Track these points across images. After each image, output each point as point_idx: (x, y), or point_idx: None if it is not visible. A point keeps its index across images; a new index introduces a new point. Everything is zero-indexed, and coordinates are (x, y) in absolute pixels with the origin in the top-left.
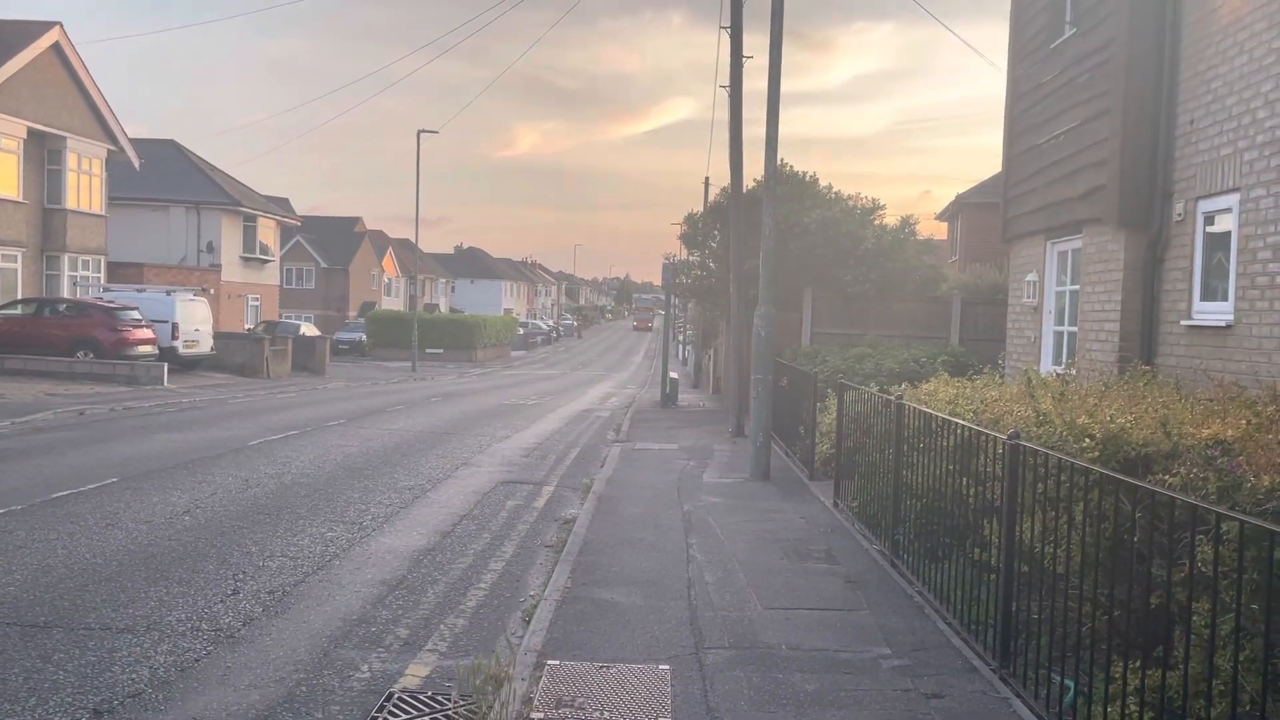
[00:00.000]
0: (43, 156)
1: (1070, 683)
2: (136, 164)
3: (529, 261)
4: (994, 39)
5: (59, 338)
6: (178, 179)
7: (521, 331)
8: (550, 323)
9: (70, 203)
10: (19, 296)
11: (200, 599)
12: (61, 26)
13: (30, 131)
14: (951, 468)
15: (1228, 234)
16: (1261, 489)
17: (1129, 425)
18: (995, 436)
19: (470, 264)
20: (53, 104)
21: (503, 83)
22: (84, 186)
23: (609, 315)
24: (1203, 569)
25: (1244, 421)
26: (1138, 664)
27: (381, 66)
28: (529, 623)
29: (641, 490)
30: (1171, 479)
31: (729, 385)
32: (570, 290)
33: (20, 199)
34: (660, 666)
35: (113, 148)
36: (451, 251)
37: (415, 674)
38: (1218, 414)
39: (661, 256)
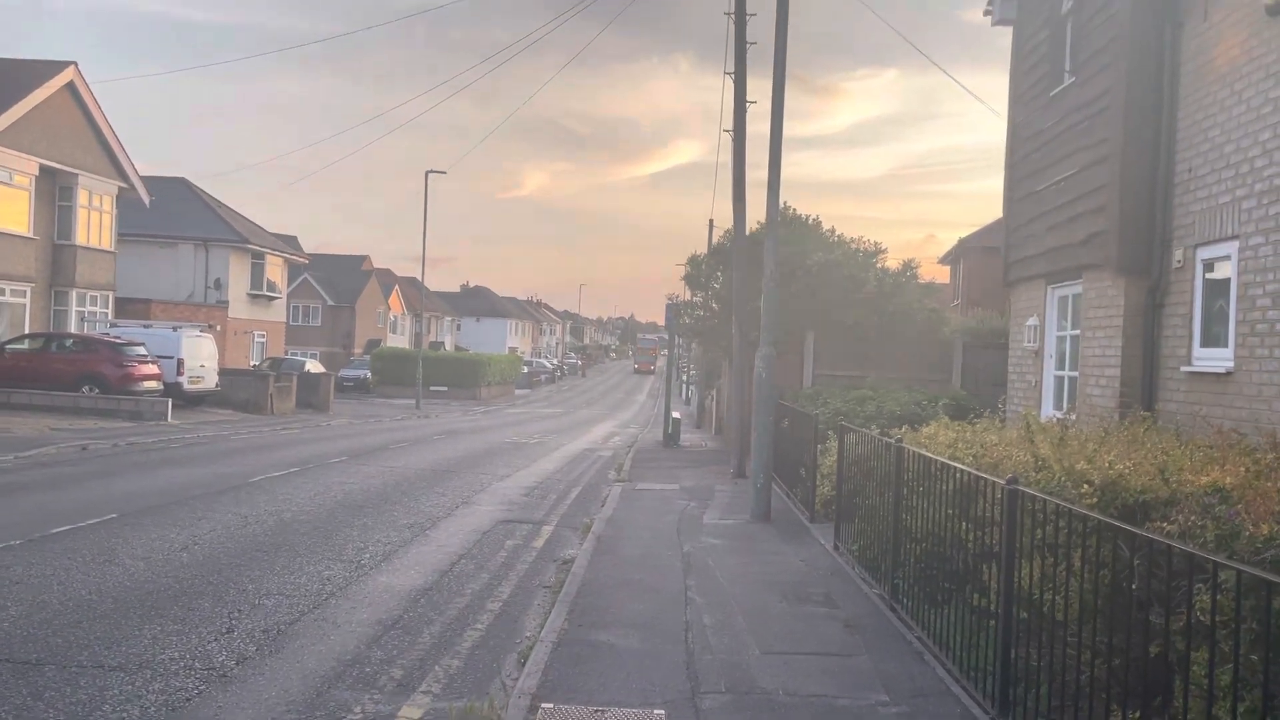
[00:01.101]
0: (54, 193)
1: None
2: (147, 201)
3: (534, 300)
4: (995, 86)
5: (65, 373)
6: (187, 216)
7: (526, 370)
8: (554, 361)
9: (80, 239)
10: (27, 331)
11: (194, 637)
12: (76, 66)
13: (42, 168)
14: (951, 512)
15: (1227, 281)
16: (1260, 538)
17: (1127, 471)
18: (994, 481)
19: (476, 302)
20: (65, 142)
21: (511, 125)
22: (94, 223)
23: (613, 354)
24: (1201, 618)
25: (1243, 469)
26: (1137, 714)
27: (391, 107)
28: (524, 664)
29: (641, 531)
30: (1170, 526)
31: (731, 426)
32: (575, 329)
33: (30, 235)
34: (655, 711)
35: (124, 185)
36: (458, 290)
37: (408, 716)
38: (1217, 461)
39: (665, 297)
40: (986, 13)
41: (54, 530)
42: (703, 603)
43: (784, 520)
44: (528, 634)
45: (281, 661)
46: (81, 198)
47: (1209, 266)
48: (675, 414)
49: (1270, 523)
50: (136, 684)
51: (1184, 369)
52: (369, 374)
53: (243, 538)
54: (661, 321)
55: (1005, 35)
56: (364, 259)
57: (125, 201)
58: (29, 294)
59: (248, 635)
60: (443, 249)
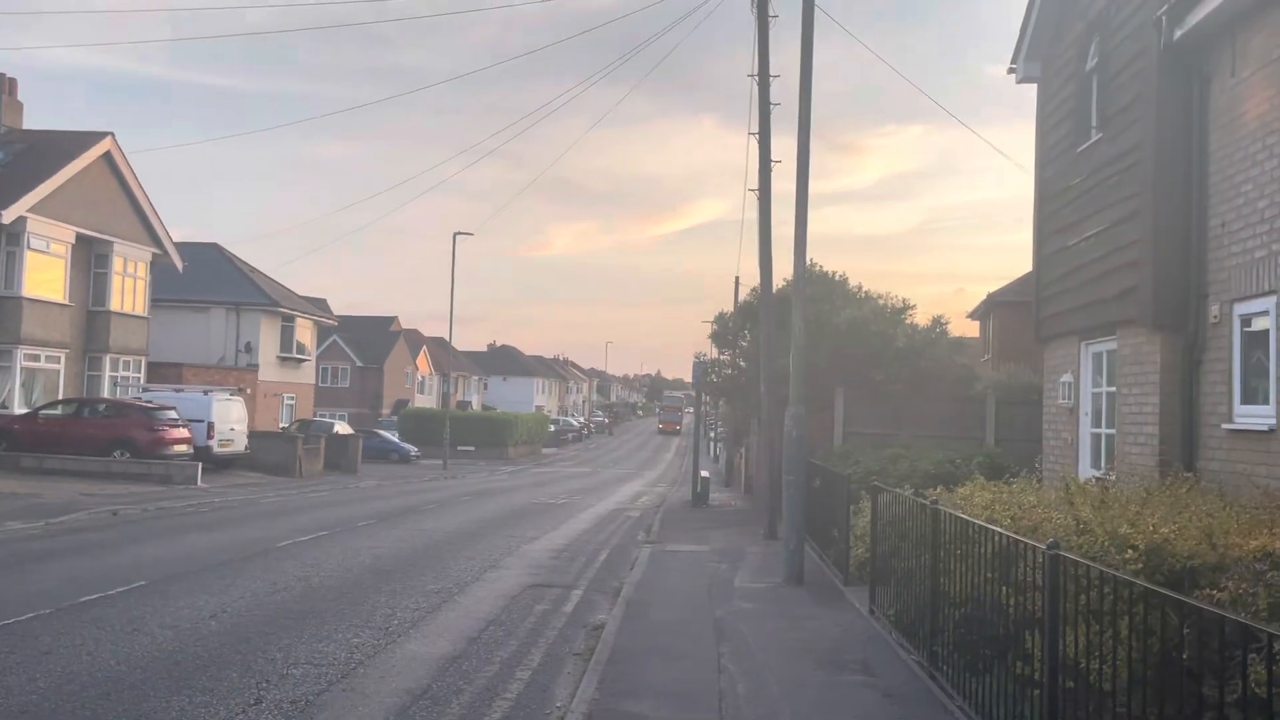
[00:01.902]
0: (89, 260)
1: None
2: (180, 267)
3: (561, 359)
4: (1021, 139)
5: (97, 438)
6: (219, 280)
7: (553, 428)
8: (581, 419)
9: (114, 305)
10: (60, 396)
11: (222, 708)
12: (113, 136)
13: (79, 236)
14: (990, 576)
15: (1266, 335)
16: None
17: (1173, 535)
18: (1034, 545)
19: (503, 361)
20: (102, 210)
21: (538, 186)
22: (128, 289)
23: (640, 412)
24: (1256, 690)
25: None
26: None
27: (420, 171)
28: None
29: (672, 595)
30: (1220, 594)
31: (760, 485)
32: (601, 387)
33: (66, 301)
34: None
35: (158, 251)
36: (484, 349)
37: None
38: (1264, 524)
39: (692, 353)
40: (1010, 70)
41: (83, 599)
42: (736, 670)
43: (817, 583)
44: (558, 703)
45: None
46: (116, 265)
47: (1246, 321)
48: (704, 472)
49: None
50: None
51: (1225, 426)
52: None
53: (271, 605)
54: (688, 378)
55: (1030, 90)
56: (392, 320)
57: (159, 267)
58: (63, 359)
59: (276, 707)
60: (470, 309)
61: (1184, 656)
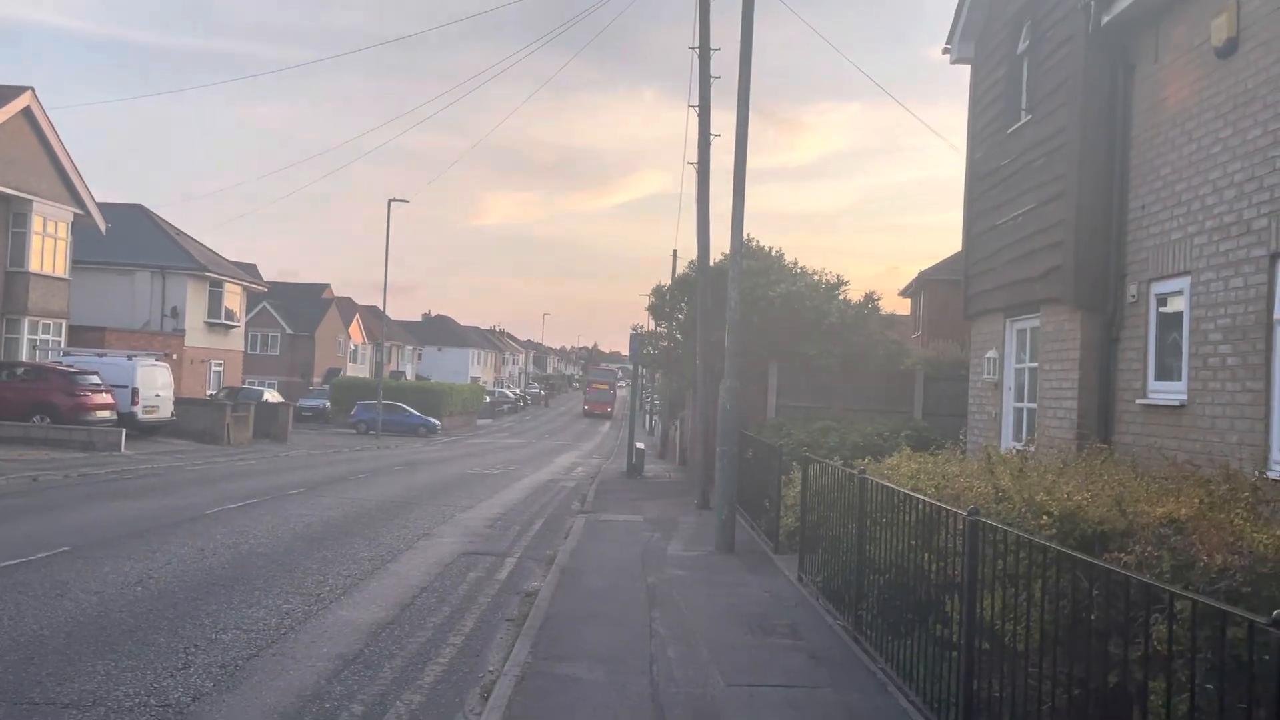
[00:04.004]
0: (8, 219)
1: None
2: (103, 228)
3: (497, 330)
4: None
5: (15, 402)
6: (144, 243)
7: (488, 400)
8: (517, 391)
9: (34, 266)
10: None
11: (150, 673)
12: (33, 91)
13: None
14: (914, 543)
15: (1180, 315)
16: (1214, 568)
17: (1085, 503)
18: (956, 513)
19: (438, 332)
20: (21, 167)
21: (476, 154)
22: (48, 250)
23: (576, 384)
24: (1158, 648)
25: (1197, 500)
26: None
27: (355, 136)
28: (488, 699)
29: (606, 562)
30: (1127, 557)
31: (695, 456)
32: (538, 359)
33: None
34: None
35: (79, 212)
36: (419, 319)
37: None
38: (1172, 493)
39: (629, 326)
40: (945, 51)
41: (4, 564)
42: (667, 635)
43: (748, 551)
44: (491, 668)
45: (239, 698)
46: (36, 224)
47: (1163, 301)
48: (639, 444)
49: (1224, 553)
50: None
51: (1139, 401)
52: (328, 404)
53: (199, 571)
54: (625, 351)
55: (965, 72)
56: (324, 287)
57: (81, 228)
58: None
59: (204, 671)
60: (405, 277)
61: (1093, 617)
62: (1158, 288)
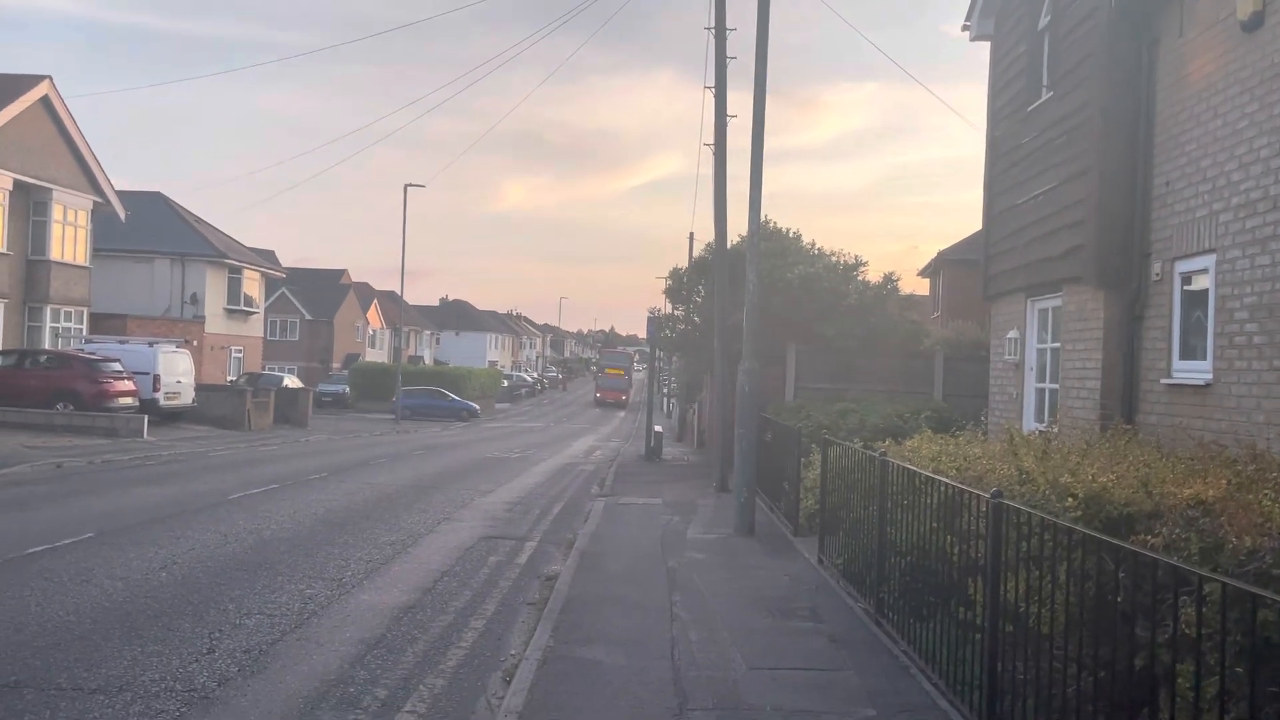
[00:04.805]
0: (28, 208)
1: None
2: (122, 216)
3: (514, 314)
4: (975, 99)
5: (39, 389)
6: (163, 231)
7: (506, 384)
8: (535, 375)
9: (55, 254)
10: (0, 348)
11: (175, 658)
12: (51, 80)
13: (16, 183)
14: (935, 525)
15: (1205, 294)
16: (1243, 550)
17: (1111, 484)
18: (978, 495)
19: (455, 316)
20: (40, 156)
21: (491, 138)
22: (69, 238)
23: (593, 368)
24: (1186, 631)
25: (1224, 481)
26: None
27: (371, 121)
28: (510, 683)
29: (625, 546)
30: (1154, 539)
31: (713, 439)
32: (555, 343)
33: (4, 250)
34: None
35: (99, 200)
36: (437, 304)
37: None
38: (1199, 473)
39: (646, 309)
40: (964, 27)
41: (30, 550)
42: (688, 618)
43: (768, 534)
44: (513, 651)
45: (263, 682)
46: (56, 213)
47: (1187, 279)
48: (657, 428)
49: (1253, 535)
50: (117, 706)
51: (1164, 381)
52: (347, 389)
53: (222, 557)
54: (642, 335)
55: (984, 49)
56: (342, 273)
57: (101, 216)
58: (2, 310)
59: (229, 656)
60: (422, 262)
61: (1118, 600)
62: (1182, 266)
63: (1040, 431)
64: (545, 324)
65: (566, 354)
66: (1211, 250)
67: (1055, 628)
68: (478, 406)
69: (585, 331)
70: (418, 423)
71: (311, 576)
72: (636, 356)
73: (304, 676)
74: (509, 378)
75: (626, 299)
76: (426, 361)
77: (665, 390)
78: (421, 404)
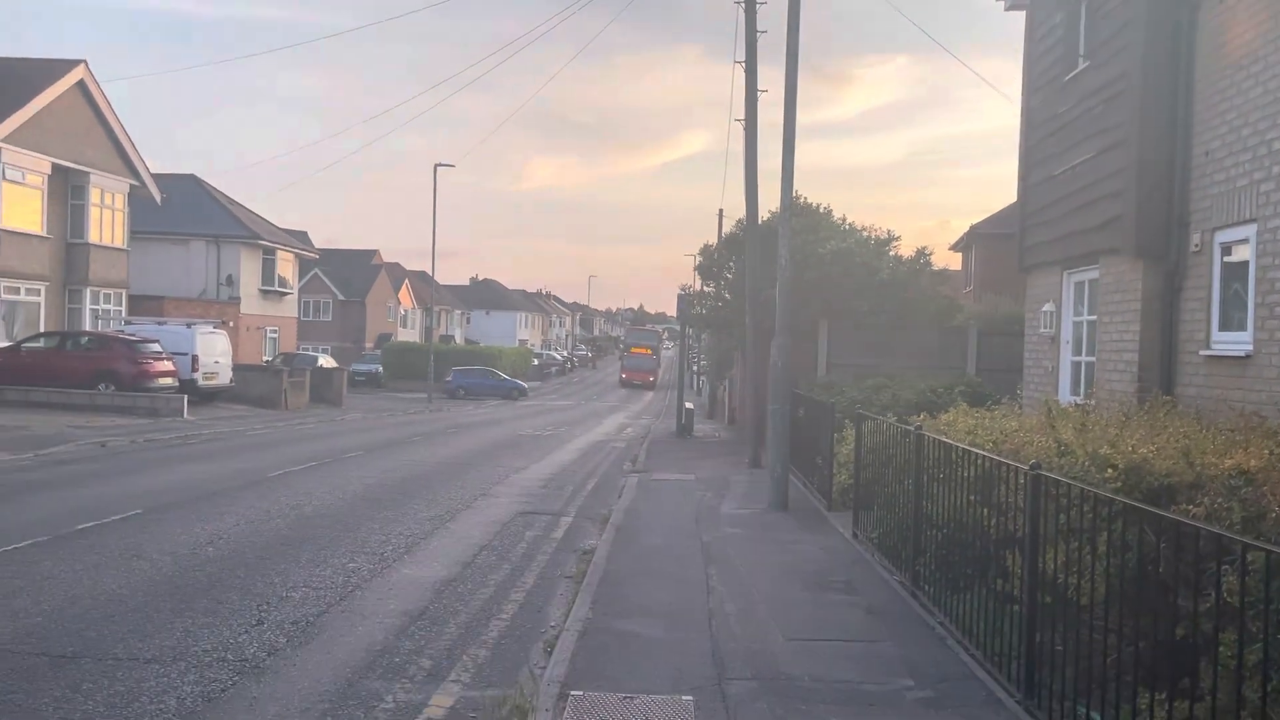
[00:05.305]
0: (66, 192)
1: (1096, 715)
2: (158, 198)
3: (543, 293)
4: (1007, 71)
5: (81, 370)
6: (198, 213)
7: (536, 362)
8: (564, 353)
9: (93, 237)
10: (42, 330)
11: (225, 629)
12: (86, 64)
13: (55, 167)
14: (972, 498)
15: (1245, 264)
16: None
17: (1151, 456)
18: (1016, 467)
19: (485, 295)
20: (77, 140)
21: (519, 118)
22: (106, 221)
23: (621, 346)
24: (1229, 599)
25: (1266, 452)
26: (1164, 696)
27: (401, 102)
28: (551, 653)
29: (660, 521)
30: (1195, 509)
31: (745, 415)
32: (584, 321)
33: (44, 234)
34: (684, 698)
35: (135, 183)
36: (467, 283)
37: (439, 704)
38: (1240, 444)
39: (676, 287)
40: None
41: (80, 526)
42: (724, 591)
43: (801, 509)
44: (553, 623)
45: (312, 653)
46: (94, 196)
47: (1227, 250)
48: (688, 404)
49: None
50: (172, 675)
51: (1203, 353)
52: (380, 369)
53: (267, 532)
54: (672, 312)
55: (1018, 19)
56: (374, 253)
57: (137, 199)
58: (43, 293)
59: (278, 627)
60: (452, 242)
61: (1159, 570)
62: (1222, 236)
63: (1077, 404)
64: (574, 302)
65: (595, 332)
66: (1252, 220)
67: (1094, 598)
68: (526, 385)
69: (614, 310)
70: (450, 401)
71: (354, 551)
72: (665, 334)
73: (350, 647)
74: (539, 356)
75: (655, 278)
76: (457, 340)
77: (695, 368)
78: (475, 383)
